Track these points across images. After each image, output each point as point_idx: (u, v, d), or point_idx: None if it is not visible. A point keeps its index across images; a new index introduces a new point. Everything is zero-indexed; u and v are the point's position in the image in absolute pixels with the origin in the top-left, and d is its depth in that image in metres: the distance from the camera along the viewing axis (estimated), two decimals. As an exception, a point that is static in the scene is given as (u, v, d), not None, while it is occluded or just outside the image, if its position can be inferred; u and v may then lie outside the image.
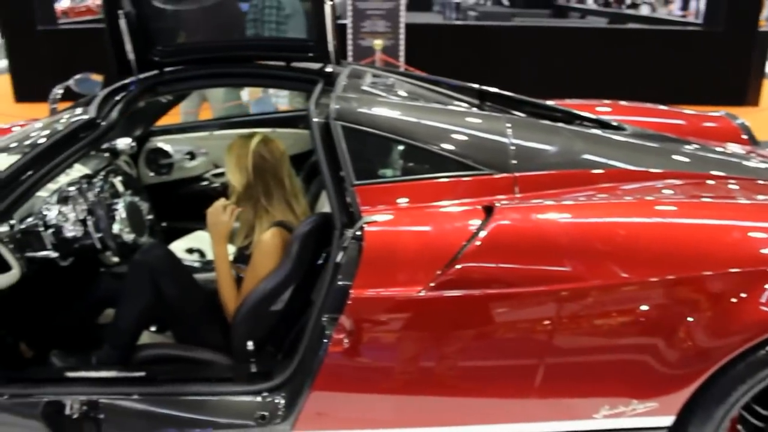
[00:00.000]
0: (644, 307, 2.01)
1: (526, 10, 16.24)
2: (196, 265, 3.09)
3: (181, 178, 3.66)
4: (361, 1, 8.17)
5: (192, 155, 3.63)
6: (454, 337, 2.05)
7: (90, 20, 11.55)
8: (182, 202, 3.58)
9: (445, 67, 8.21)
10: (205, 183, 3.69)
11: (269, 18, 3.65)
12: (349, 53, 8.25)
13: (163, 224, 3.27)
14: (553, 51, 9.32)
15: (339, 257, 2.04)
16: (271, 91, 5.42)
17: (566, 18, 16.48)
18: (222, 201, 2.54)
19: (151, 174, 3.63)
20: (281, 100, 5.44)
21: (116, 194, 2.84)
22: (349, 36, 8.23)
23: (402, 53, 8.36)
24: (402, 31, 8.34)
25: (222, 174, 3.63)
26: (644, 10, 19.99)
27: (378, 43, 7.74)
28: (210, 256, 3.16)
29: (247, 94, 5.33)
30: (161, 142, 3.61)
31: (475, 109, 2.78)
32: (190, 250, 3.25)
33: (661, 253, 2.03)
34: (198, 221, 3.51)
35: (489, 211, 2.07)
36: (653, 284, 2.00)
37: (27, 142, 2.63)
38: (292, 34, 3.24)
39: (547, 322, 2.01)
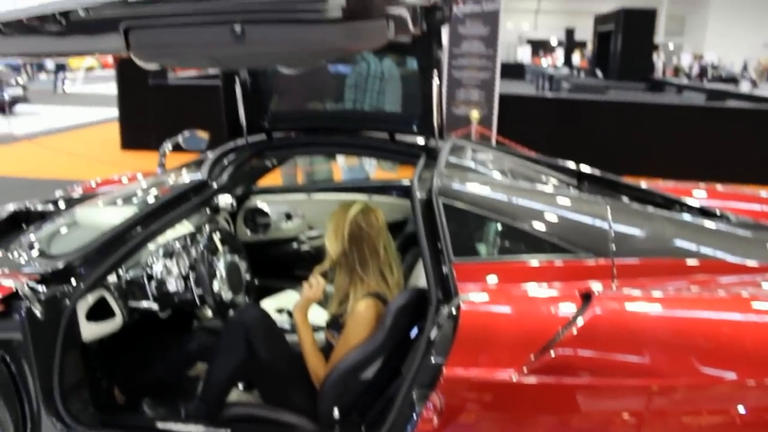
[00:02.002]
0: (739, 409, 1.92)
1: (620, 82, 16.08)
2: (286, 326, 3.14)
3: (276, 238, 3.76)
4: (457, 70, 8.32)
5: (289, 216, 3.73)
6: (546, 423, 2.01)
7: (195, 77, 12.15)
8: (276, 262, 3.67)
9: (537, 139, 8.26)
10: (299, 245, 3.77)
11: (372, 86, 3.75)
12: (444, 121, 8.32)
13: (255, 281, 3.35)
14: (648, 127, 9.18)
15: (433, 334, 2.05)
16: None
17: (662, 92, 16.22)
18: (311, 277, 2.59)
19: (249, 232, 3.75)
20: (371, 168, 5.53)
21: (216, 250, 2.95)
22: (444, 104, 8.33)
23: (495, 123, 8.42)
24: (496, 101, 8.42)
25: (316, 237, 3.71)
26: (744, 87, 19.50)
27: (475, 114, 7.83)
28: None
29: (343, 159, 5.46)
30: (260, 202, 3.74)
31: (574, 191, 2.77)
32: (280, 310, 3.31)
33: (758, 353, 1.95)
34: (290, 281, 3.60)
35: (586, 297, 2.04)
36: (749, 386, 1.92)
37: (138, 199, 2.78)
38: (392, 103, 3.32)
39: (637, 416, 1.95)
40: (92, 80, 26.25)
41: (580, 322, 1.96)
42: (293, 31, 1.69)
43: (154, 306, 2.75)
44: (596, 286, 2.10)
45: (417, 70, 2.69)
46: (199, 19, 1.76)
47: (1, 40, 2.02)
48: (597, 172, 3.06)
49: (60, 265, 2.46)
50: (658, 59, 25.88)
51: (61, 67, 21.97)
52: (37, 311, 2.30)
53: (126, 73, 10.67)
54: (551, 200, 2.48)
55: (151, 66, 2.07)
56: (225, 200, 3.26)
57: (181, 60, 1.93)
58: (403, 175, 4.15)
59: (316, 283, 2.56)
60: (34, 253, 2.62)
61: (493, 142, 8.17)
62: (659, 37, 27.95)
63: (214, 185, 2.59)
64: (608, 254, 2.20)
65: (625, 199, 2.86)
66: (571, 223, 2.34)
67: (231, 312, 2.79)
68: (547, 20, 41.51)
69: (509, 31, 37.90)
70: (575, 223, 2.35)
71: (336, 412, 2.38)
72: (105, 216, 2.79)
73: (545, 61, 34.54)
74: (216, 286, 2.76)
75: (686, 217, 2.63)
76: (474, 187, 2.42)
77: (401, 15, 2.00)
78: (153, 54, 1.92)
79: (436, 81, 2.57)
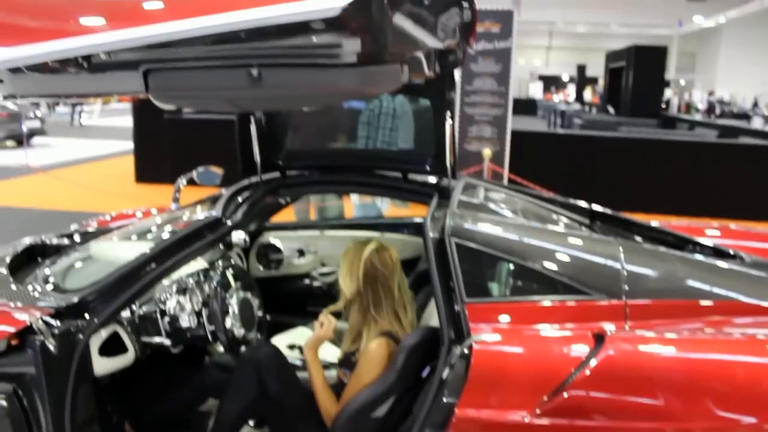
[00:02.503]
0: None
1: (632, 119, 16.12)
2: (298, 362, 3.14)
3: (288, 273, 3.77)
4: (470, 107, 8.39)
5: (301, 253, 3.75)
6: None
7: (209, 112, 12.31)
8: (288, 298, 3.68)
9: (549, 175, 8.28)
10: (311, 281, 3.79)
11: (384, 124, 3.78)
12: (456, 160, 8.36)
13: (267, 317, 3.36)
14: (659, 163, 9.20)
15: (445, 373, 2.05)
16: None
17: (674, 129, 16.24)
18: (322, 316, 2.60)
19: (261, 268, 3.77)
20: (385, 204, 5.56)
21: (229, 287, 2.96)
22: (456, 143, 8.37)
23: (507, 160, 8.46)
24: (508, 138, 8.47)
25: (329, 273, 3.73)
26: (756, 123, 19.47)
27: (487, 152, 7.88)
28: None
29: (356, 196, 5.49)
30: (273, 238, 3.76)
31: (587, 231, 2.78)
32: (292, 346, 3.31)
33: None
34: (301, 317, 3.61)
35: (599, 338, 2.04)
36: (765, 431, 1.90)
37: (153, 235, 2.81)
38: (406, 142, 3.35)
39: None
40: (108, 113, 26.60)
41: (593, 363, 1.95)
42: (309, 74, 1.72)
43: (167, 341, 2.76)
44: (609, 327, 2.10)
45: (430, 109, 2.72)
46: (216, 62, 1.80)
47: (24, 82, 2.07)
48: (609, 211, 3.07)
49: (74, 299, 2.48)
50: (674, 96, 26.00)
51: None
52: (51, 346, 2.31)
53: (142, 107, 10.81)
54: (563, 240, 2.49)
55: (169, 107, 2.11)
56: (238, 236, 3.28)
57: (198, 102, 1.96)
58: (415, 212, 4.17)
59: (327, 322, 2.57)
60: (49, 287, 2.64)
61: (505, 179, 8.19)
62: (670, 74, 28.09)
63: (229, 222, 2.62)
64: (621, 295, 2.20)
65: (637, 238, 2.85)
66: (584, 264, 2.34)
67: (243, 348, 2.80)
68: (558, 56, 41.84)
69: (521, 66, 38.19)
70: (587, 263, 2.35)
71: (347, 451, 2.37)
72: (119, 251, 2.81)
73: (557, 97, 34.72)
74: (228, 322, 2.77)
75: (699, 257, 2.63)
76: (486, 228, 2.44)
77: (416, 58, 2.03)
78: (171, 96, 1.96)
79: (449, 122, 2.59)
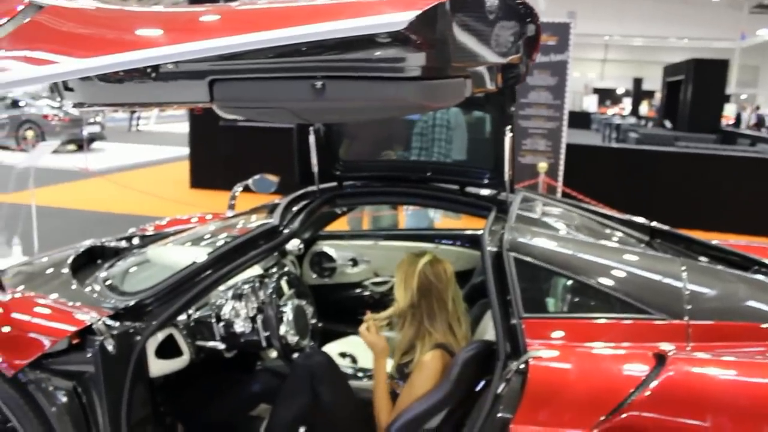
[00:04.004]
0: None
1: (690, 134, 15.76)
2: (349, 371, 3.15)
3: (341, 282, 3.79)
4: (525, 120, 8.32)
5: (355, 262, 3.76)
6: None
7: (266, 121, 12.48)
8: (340, 306, 3.70)
9: (603, 190, 8.15)
10: (363, 290, 3.79)
11: (439, 136, 3.76)
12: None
13: (319, 325, 3.38)
14: (718, 180, 8.97)
15: (500, 388, 2.03)
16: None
17: (734, 144, 15.82)
18: (365, 324, 2.60)
19: (314, 276, 3.80)
20: (437, 216, 5.55)
21: (283, 294, 2.99)
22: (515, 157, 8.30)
23: (561, 174, 8.36)
24: (563, 151, 8.37)
25: (381, 283, 3.73)
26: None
27: (543, 166, 7.80)
28: (362, 362, 3.23)
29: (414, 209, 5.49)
30: (327, 247, 3.78)
31: (648, 249, 2.72)
32: (343, 354, 3.32)
33: None
34: (353, 326, 3.60)
35: (660, 359, 1.99)
36: None
37: (211, 241, 2.85)
38: (463, 155, 3.34)
39: None
40: (164, 119, 27.17)
41: (654, 383, 1.91)
42: (373, 87, 1.73)
43: (221, 346, 2.80)
44: (669, 348, 2.05)
45: (489, 122, 2.71)
46: (281, 74, 1.82)
47: (93, 90, 2.13)
48: (669, 228, 3.00)
49: (133, 302, 2.54)
50: (744, 112, 25.30)
51: (136, 107, 22.80)
52: (110, 346, 2.37)
53: (198, 114, 11.01)
54: (624, 257, 2.44)
55: (232, 116, 2.14)
56: (293, 244, 3.31)
57: (261, 113, 1.99)
58: (468, 223, 4.15)
59: (365, 328, 2.57)
60: (109, 289, 2.71)
61: (559, 193, 8.09)
62: (731, 88, 27.40)
63: (286, 231, 2.64)
64: (682, 315, 2.14)
65: (700, 257, 2.79)
66: (645, 282, 2.29)
67: (295, 355, 2.82)
68: (614, 69, 41.26)
69: (575, 79, 37.67)
70: (649, 281, 2.30)
71: (398, 461, 2.36)
72: (177, 256, 2.87)
73: (612, 111, 34.20)
74: (282, 329, 2.80)
75: (763, 278, 2.55)
76: (545, 243, 2.41)
77: (480, 72, 2.03)
78: (235, 106, 1.99)
79: (508, 135, 2.58)
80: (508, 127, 2.57)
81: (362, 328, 2.60)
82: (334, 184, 3.02)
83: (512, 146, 2.60)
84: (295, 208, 2.80)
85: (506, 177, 2.65)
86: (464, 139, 3.42)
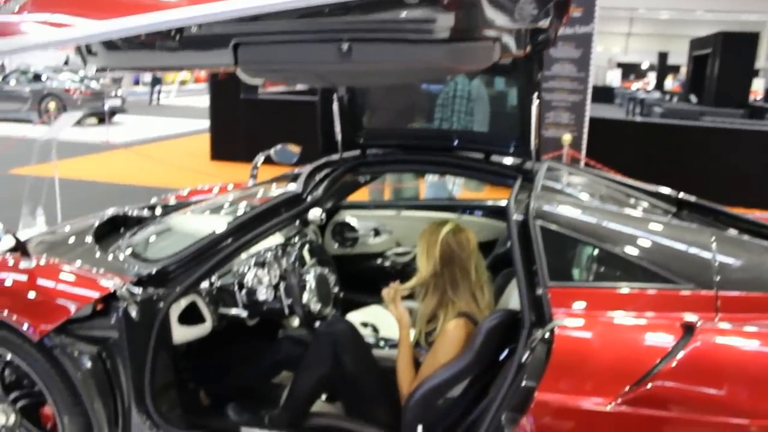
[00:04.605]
0: None
1: (716, 108, 15.48)
2: (371, 340, 3.15)
3: (363, 253, 3.78)
4: (548, 92, 8.22)
5: (377, 232, 3.75)
6: None
7: (284, 92, 12.46)
8: (361, 276, 3.69)
9: (627, 164, 8.02)
10: (385, 260, 3.78)
11: (459, 107, 3.72)
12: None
13: (341, 295, 3.38)
14: (745, 156, 8.82)
15: (525, 357, 2.01)
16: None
17: (762, 120, 15.52)
18: (387, 292, 2.59)
19: (336, 245, 3.79)
20: (457, 188, 5.50)
21: (306, 262, 2.98)
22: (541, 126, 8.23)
23: (584, 147, 8.27)
24: (586, 124, 8.27)
25: (403, 254, 3.71)
26: None
27: (567, 138, 7.70)
28: (383, 332, 3.23)
29: (430, 176, 5.44)
30: (349, 217, 3.77)
31: (676, 219, 2.68)
32: (365, 324, 3.32)
33: None
34: (375, 296, 3.60)
35: (688, 329, 1.96)
36: None
37: (233, 209, 2.84)
38: (489, 124, 3.29)
39: None
40: (185, 93, 27.23)
41: (681, 353, 1.89)
42: (399, 49, 1.70)
43: (243, 313, 2.80)
44: (698, 319, 2.02)
45: (516, 90, 2.66)
46: (307, 36, 1.79)
47: (117, 55, 2.12)
48: (697, 199, 2.94)
49: (156, 269, 2.54)
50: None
51: (156, 81, 22.91)
52: (133, 312, 2.38)
53: (218, 86, 11.02)
54: (652, 226, 2.40)
55: (256, 81, 2.12)
56: (315, 213, 3.29)
57: (287, 76, 1.97)
58: (489, 196, 4.12)
59: (389, 295, 2.56)
60: (132, 256, 2.72)
61: (582, 165, 8.01)
62: (760, 62, 26.85)
63: (309, 198, 2.63)
64: (711, 286, 2.11)
65: (729, 229, 2.73)
66: (673, 252, 2.25)
67: (318, 324, 2.82)
68: (638, 43, 40.57)
69: (599, 53, 36.93)
70: (677, 251, 2.26)
71: (420, 429, 2.36)
72: (200, 224, 2.87)
73: (636, 85, 33.73)
74: (305, 297, 2.80)
75: None
76: (571, 211, 2.37)
77: (508, 37, 1.98)
78: (259, 69, 1.97)
79: (535, 103, 2.53)
80: (535, 93, 2.52)
81: (386, 291, 2.58)
82: (357, 152, 2.99)
83: (539, 114, 2.55)
84: (317, 177, 2.78)
85: (532, 145, 2.61)
86: (486, 111, 3.37)
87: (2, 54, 2.08)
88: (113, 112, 16.29)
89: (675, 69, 30.66)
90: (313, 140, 3.10)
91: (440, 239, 2.52)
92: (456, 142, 2.93)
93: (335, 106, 2.80)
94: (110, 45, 2.11)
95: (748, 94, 18.04)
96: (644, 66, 40.11)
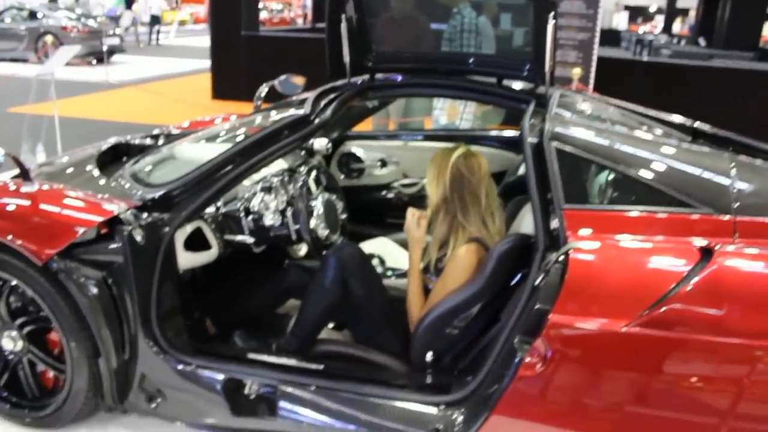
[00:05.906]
0: None
1: (726, 51, 15.20)
2: (378, 270, 3.11)
3: (369, 184, 3.72)
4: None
5: (383, 163, 3.68)
6: (650, 379, 1.92)
7: (286, 29, 12.25)
8: (368, 208, 3.65)
9: (634, 103, 7.91)
10: (392, 191, 3.73)
11: (467, 42, 3.61)
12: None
13: (347, 226, 3.35)
14: (756, 97, 8.68)
15: (538, 280, 1.97)
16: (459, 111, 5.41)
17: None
18: (412, 212, 2.54)
19: (342, 176, 3.73)
20: (465, 123, 5.41)
21: (313, 187, 2.93)
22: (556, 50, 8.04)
23: (591, 86, 8.13)
24: (594, 63, 8.12)
25: (410, 185, 3.66)
26: None
27: (577, 71, 7.54)
28: (390, 262, 3.19)
29: (444, 115, 5.35)
30: (355, 147, 3.70)
31: (695, 145, 2.61)
32: (371, 256, 3.28)
33: None
34: (381, 228, 3.57)
35: (706, 253, 1.92)
36: None
37: (238, 133, 2.78)
38: (502, 47, 3.17)
39: (748, 376, 1.85)
40: (184, 33, 26.80)
41: (697, 277, 1.85)
42: None
43: (250, 240, 2.76)
44: (715, 243, 1.97)
45: (531, 12, 2.56)
46: None
47: None
48: (712, 128, 2.86)
49: (160, 193, 2.49)
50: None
51: (155, 20, 22.51)
52: (138, 236, 2.34)
53: (219, 24, 10.82)
54: (669, 151, 2.34)
55: None
56: (321, 143, 3.23)
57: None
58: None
59: (414, 219, 2.51)
60: (136, 182, 2.66)
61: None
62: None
63: (317, 121, 2.55)
64: (730, 211, 2.05)
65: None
66: (691, 177, 2.19)
67: (325, 251, 2.78)
68: (646, -15, 39.75)
69: (606, -4, 36.47)
70: (695, 176, 2.20)
71: (429, 356, 2.34)
72: (205, 149, 2.80)
73: (643, 29, 33.14)
74: (313, 222, 2.75)
75: None
76: (587, 133, 2.30)
77: None
78: None
79: (551, 24, 2.43)
80: (551, 14, 2.42)
81: (410, 211, 2.54)
82: (366, 77, 2.90)
83: (554, 36, 2.45)
84: (325, 100, 2.70)
85: (547, 67, 2.52)
86: (508, 32, 3.26)
87: None
88: (111, 51, 16.01)
89: (684, 12, 30.07)
90: (315, 77, 3.00)
91: (450, 164, 2.46)
92: (467, 66, 2.84)
93: (343, 27, 2.70)
94: None
95: (759, 38, 17.71)
96: (652, 9, 39.33)
